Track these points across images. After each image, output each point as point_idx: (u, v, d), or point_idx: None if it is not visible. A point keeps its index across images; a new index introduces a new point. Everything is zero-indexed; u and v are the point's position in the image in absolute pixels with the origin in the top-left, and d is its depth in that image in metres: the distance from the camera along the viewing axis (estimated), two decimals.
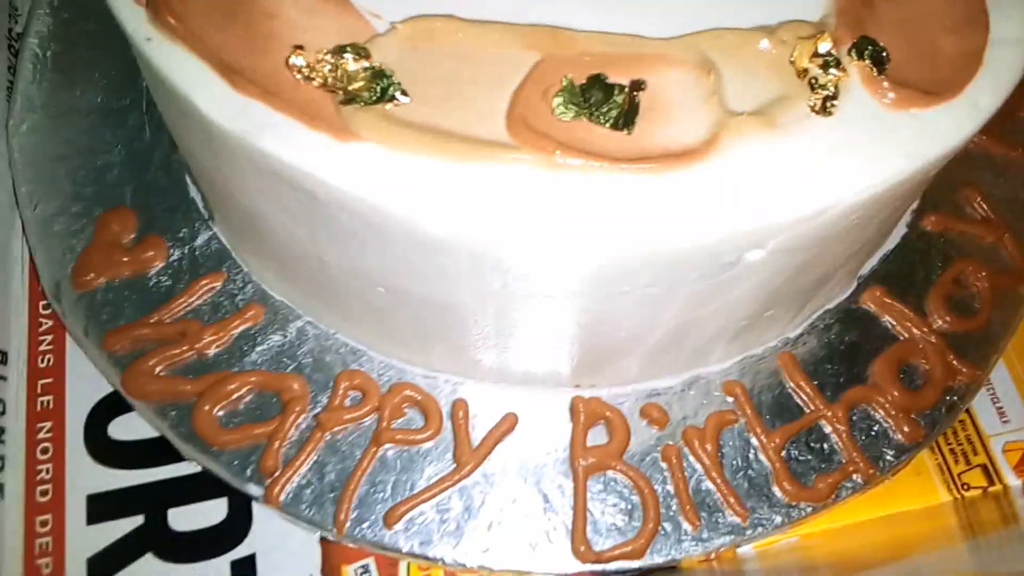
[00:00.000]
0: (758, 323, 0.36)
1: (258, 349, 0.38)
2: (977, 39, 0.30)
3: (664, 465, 0.37)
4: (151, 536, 0.36)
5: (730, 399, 0.38)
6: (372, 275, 0.32)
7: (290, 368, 0.37)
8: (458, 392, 0.37)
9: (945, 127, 0.29)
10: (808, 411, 0.38)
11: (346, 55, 0.28)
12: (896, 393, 0.38)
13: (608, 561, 0.35)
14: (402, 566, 0.36)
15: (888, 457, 0.37)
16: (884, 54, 0.29)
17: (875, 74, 0.29)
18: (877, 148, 0.28)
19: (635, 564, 0.35)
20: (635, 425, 0.37)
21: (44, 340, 0.39)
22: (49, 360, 0.39)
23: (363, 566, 0.36)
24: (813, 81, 0.28)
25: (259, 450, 0.36)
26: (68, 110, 0.42)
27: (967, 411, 0.40)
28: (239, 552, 0.36)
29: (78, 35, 0.44)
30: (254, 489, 0.35)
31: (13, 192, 0.41)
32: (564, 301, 0.31)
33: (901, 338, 0.39)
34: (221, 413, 0.36)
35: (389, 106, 0.28)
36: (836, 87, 0.28)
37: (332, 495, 0.35)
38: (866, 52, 0.29)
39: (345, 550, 0.36)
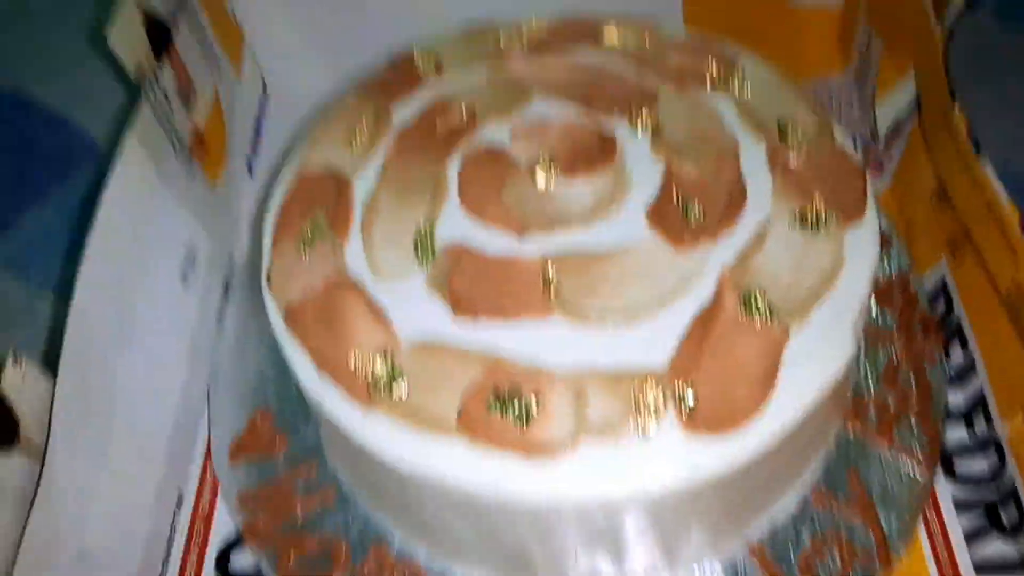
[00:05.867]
0: (636, 552, 0.52)
1: (327, 517, 0.58)
2: (764, 393, 0.46)
3: None
4: None
5: None
6: (383, 486, 0.52)
7: (342, 534, 0.57)
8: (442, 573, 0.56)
9: (724, 451, 0.45)
10: None
11: (378, 360, 0.49)
12: None
13: None
14: None
15: None
16: (693, 398, 0.46)
17: (684, 411, 0.46)
18: (677, 458, 0.45)
19: None
20: None
21: (205, 493, 0.63)
22: (206, 508, 0.62)
23: None
24: (643, 410, 0.46)
25: None
26: (251, 342, 0.67)
27: None
28: None
29: None
30: None
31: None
32: (484, 523, 0.49)
33: None
34: (296, 563, 0.57)
35: (396, 393, 0.49)
36: (657, 417, 0.46)
37: None
38: (681, 396, 0.46)
39: None
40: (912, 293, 0.64)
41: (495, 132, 0.61)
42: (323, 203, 0.57)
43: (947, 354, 0.62)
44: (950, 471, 0.59)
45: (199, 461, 0.64)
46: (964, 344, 0.61)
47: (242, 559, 0.60)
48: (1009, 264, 0.52)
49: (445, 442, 0.47)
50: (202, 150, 0.71)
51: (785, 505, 0.56)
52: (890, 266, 0.65)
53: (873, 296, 0.63)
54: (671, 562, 0.54)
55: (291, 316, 0.53)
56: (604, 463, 0.45)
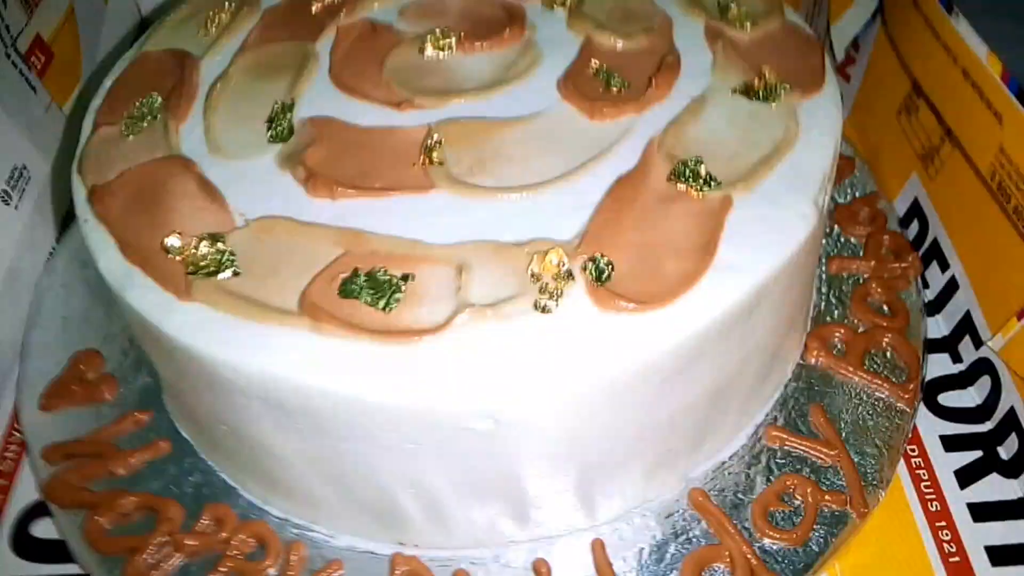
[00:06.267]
0: (545, 504, 0.40)
1: (154, 473, 0.45)
2: (700, 265, 0.35)
3: None
4: None
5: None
6: (213, 412, 0.40)
7: (174, 494, 0.44)
8: (298, 536, 0.43)
9: (650, 332, 0.34)
10: None
11: (203, 241, 0.38)
12: None
13: None
14: None
15: None
16: (607, 269, 0.35)
17: (596, 285, 0.35)
18: (581, 343, 0.34)
19: None
20: None
21: (11, 449, 0.49)
22: (11, 466, 0.49)
23: None
24: (543, 286, 0.35)
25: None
26: (83, 286, 0.54)
27: None
28: None
29: None
30: None
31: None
32: (338, 447, 0.37)
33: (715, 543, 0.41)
34: (108, 527, 0.44)
35: (221, 278, 0.37)
36: (560, 291, 0.35)
37: None
38: (592, 267, 0.35)
39: None
40: (880, 213, 0.54)
41: (380, 12, 0.51)
42: (161, 84, 0.46)
43: (925, 283, 0.52)
44: (935, 408, 0.48)
45: (5, 413, 0.51)
46: (944, 267, 0.51)
47: (45, 527, 0.46)
48: (993, 134, 0.43)
49: (282, 332, 0.35)
50: (49, 68, 0.60)
51: (732, 445, 0.44)
52: (853, 191, 0.56)
53: (834, 218, 0.54)
54: (589, 513, 0.41)
55: (98, 198, 0.41)
56: (490, 347, 0.34)
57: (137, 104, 0.45)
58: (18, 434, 0.50)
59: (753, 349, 0.40)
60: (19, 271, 0.53)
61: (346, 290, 0.35)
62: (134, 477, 0.45)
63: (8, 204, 0.53)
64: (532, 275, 0.35)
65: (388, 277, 0.36)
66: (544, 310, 0.34)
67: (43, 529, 0.46)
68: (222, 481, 0.45)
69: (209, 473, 0.45)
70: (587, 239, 0.36)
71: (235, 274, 0.37)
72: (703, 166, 0.39)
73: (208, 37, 0.49)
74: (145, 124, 0.44)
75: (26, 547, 0.46)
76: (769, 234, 0.37)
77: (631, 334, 0.34)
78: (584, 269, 0.35)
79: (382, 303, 0.35)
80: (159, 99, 0.45)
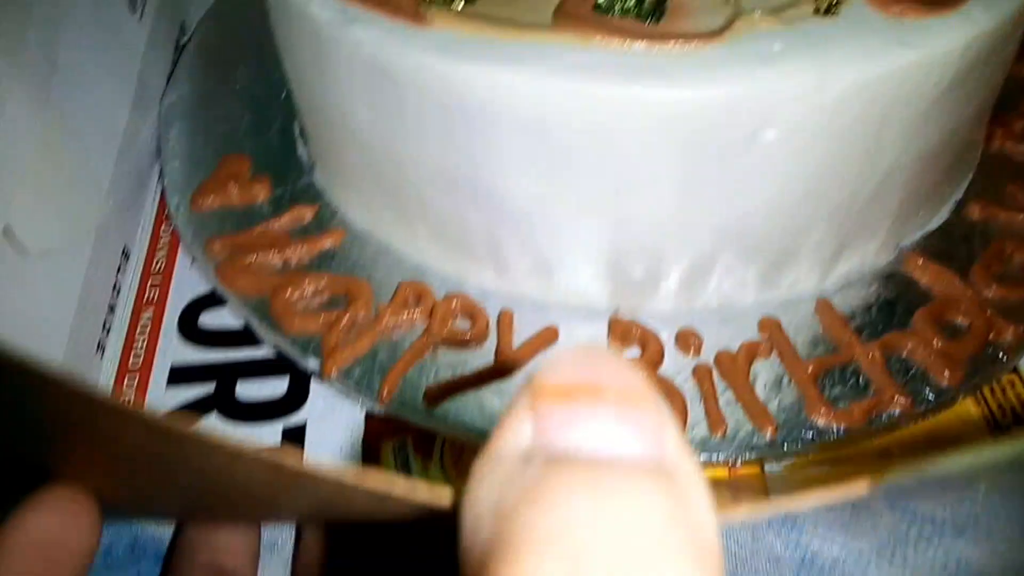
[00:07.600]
0: (787, 260, 0.38)
1: (335, 260, 0.43)
2: None
3: (695, 382, 0.38)
4: (219, 400, 0.40)
5: (764, 334, 0.40)
6: (433, 163, 0.37)
7: (361, 276, 0.42)
8: (506, 306, 0.41)
9: (940, 31, 0.32)
10: (844, 349, 0.39)
11: None
12: (935, 339, 0.38)
13: None
14: (436, 446, 0.39)
15: (927, 395, 0.37)
16: None
17: None
18: (871, 42, 0.32)
19: None
20: (669, 349, 0.39)
21: (161, 248, 0.46)
22: (161, 264, 0.46)
23: (401, 442, 0.39)
24: None
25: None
26: (213, 94, 0.51)
27: (1017, 373, 0.40)
28: (292, 421, 0.40)
29: (233, 39, 0.55)
30: (313, 363, 0.39)
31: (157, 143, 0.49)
32: (590, 176, 0.35)
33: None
34: (299, 306, 0.41)
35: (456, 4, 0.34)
36: None
37: (380, 374, 0.39)
38: None
39: (386, 426, 0.39)
40: None
41: None
42: None
43: None
44: None
45: (150, 213, 0.48)
46: None
47: (215, 317, 0.43)
48: None
49: (542, 46, 0.33)
50: None
51: (937, 220, 0.44)
52: None
53: None
54: (823, 274, 0.40)
55: None
56: (774, 51, 0.32)
57: None
58: (163, 238, 0.47)
59: (987, 96, 0.39)
60: (147, 80, 0.49)
61: (606, 5, 0.33)
62: (312, 264, 0.43)
63: (134, 13, 0.49)
64: None
65: None
66: (828, 12, 0.33)
67: (210, 319, 0.44)
68: (413, 264, 0.43)
69: (397, 255, 0.43)
70: None
71: (470, 2, 0.35)
72: None
73: None
74: None
75: (197, 336, 0.43)
76: None
77: (915, 36, 0.32)
78: None
79: (646, 14, 0.33)
80: None
